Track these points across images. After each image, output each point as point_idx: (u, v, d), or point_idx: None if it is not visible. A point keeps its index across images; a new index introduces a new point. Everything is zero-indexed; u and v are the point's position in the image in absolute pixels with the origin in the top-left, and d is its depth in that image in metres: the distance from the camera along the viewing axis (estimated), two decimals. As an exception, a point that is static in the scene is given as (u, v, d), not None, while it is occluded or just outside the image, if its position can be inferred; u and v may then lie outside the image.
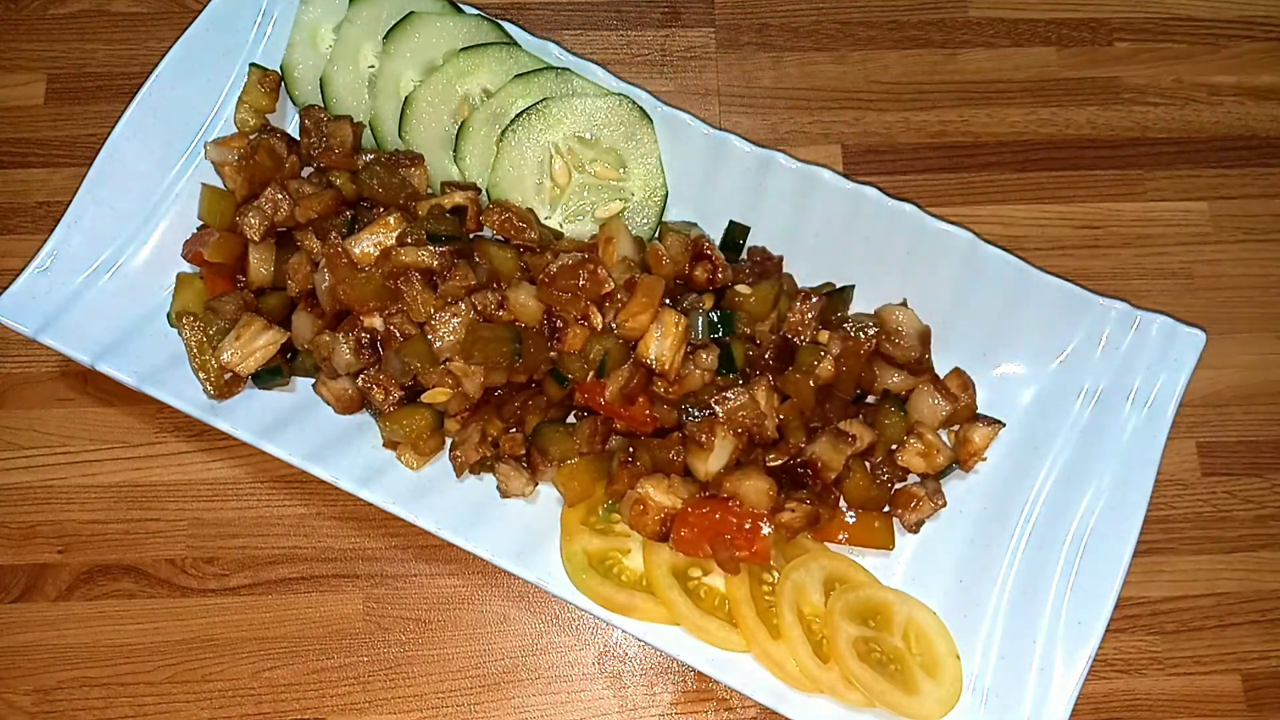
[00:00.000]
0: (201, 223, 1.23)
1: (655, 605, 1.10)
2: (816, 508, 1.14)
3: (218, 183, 1.25)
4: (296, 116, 1.28)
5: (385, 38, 1.24)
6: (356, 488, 1.12)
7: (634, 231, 1.24)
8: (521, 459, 1.17)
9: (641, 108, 1.23)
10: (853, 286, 1.23)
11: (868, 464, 1.18)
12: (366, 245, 1.12)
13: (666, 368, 1.11)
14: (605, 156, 1.25)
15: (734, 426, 1.11)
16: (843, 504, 1.18)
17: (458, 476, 1.17)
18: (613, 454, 1.17)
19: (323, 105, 1.26)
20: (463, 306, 1.09)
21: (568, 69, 1.24)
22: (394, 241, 1.12)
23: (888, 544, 1.17)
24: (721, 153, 1.22)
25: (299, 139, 1.26)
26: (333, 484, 1.12)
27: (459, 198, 1.19)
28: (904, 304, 1.22)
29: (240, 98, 1.25)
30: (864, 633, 1.11)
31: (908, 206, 1.17)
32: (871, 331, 1.17)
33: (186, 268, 1.23)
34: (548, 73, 1.23)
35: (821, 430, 1.15)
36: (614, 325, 1.13)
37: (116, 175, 1.20)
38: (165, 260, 1.22)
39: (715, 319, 1.14)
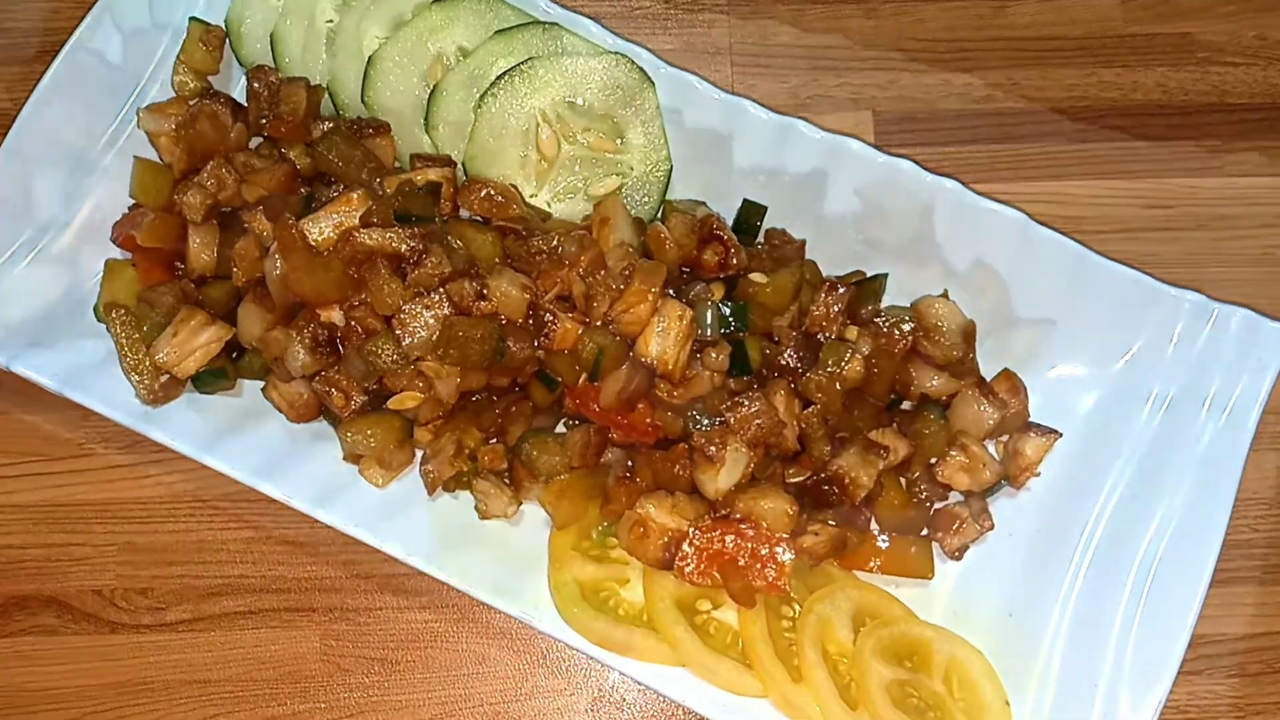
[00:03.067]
0: (134, 201, 1.23)
1: (657, 643, 1.10)
2: (844, 531, 1.13)
3: (153, 156, 1.25)
4: (243, 79, 1.28)
5: (346, -13, 1.24)
6: (312, 507, 1.12)
7: (633, 211, 1.24)
8: (503, 474, 1.17)
9: (641, 69, 1.23)
10: (885, 275, 1.23)
11: (903, 480, 1.18)
12: (325, 226, 1.11)
13: (670, 368, 1.11)
14: (600, 125, 1.25)
15: (748, 437, 1.11)
16: (874, 526, 1.18)
17: (430, 495, 1.17)
18: (608, 469, 1.17)
19: (273, 66, 1.27)
20: (436, 298, 1.09)
21: (556, 24, 1.24)
22: (356, 222, 1.11)
23: (926, 572, 1.17)
24: (734, 121, 1.22)
25: (246, 105, 1.26)
26: (285, 503, 1.12)
27: (432, 173, 1.19)
28: (945, 296, 1.21)
29: (178, 57, 1.25)
30: (899, 675, 1.10)
31: (949, 183, 1.18)
32: (907, 327, 1.17)
33: (117, 253, 1.24)
34: (533, 28, 1.23)
35: (850, 441, 1.15)
36: (610, 319, 1.12)
37: (35, 148, 1.20)
38: (92, 245, 1.22)
39: (726, 311, 1.14)
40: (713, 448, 1.10)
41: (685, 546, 1.10)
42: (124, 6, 1.23)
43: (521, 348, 1.12)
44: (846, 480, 1.13)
